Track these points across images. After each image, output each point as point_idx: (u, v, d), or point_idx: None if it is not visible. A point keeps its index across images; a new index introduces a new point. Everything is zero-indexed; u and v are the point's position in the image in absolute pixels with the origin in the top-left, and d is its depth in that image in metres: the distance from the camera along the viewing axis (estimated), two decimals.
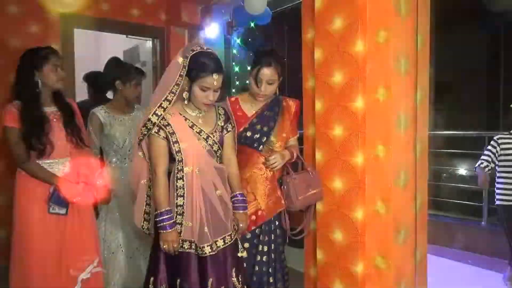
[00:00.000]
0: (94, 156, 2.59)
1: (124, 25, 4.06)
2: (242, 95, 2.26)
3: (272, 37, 4.88)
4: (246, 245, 2.12)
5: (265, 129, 2.17)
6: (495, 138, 2.80)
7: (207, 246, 1.81)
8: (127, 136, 2.60)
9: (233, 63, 5.05)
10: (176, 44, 4.39)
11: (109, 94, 2.91)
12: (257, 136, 2.16)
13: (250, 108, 2.21)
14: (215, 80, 1.78)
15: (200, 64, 1.77)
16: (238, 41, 4.75)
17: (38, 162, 2.11)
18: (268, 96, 2.18)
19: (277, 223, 2.21)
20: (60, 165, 2.17)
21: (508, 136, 2.74)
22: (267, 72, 2.09)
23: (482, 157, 2.78)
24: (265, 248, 2.16)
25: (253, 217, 2.12)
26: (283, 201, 2.19)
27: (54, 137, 2.12)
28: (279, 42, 4.82)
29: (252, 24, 3.95)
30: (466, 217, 4.22)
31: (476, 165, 2.81)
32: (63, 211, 2.10)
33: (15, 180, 2.17)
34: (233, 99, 2.23)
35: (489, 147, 2.79)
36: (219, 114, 1.97)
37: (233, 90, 5.01)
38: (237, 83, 5.08)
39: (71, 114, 2.24)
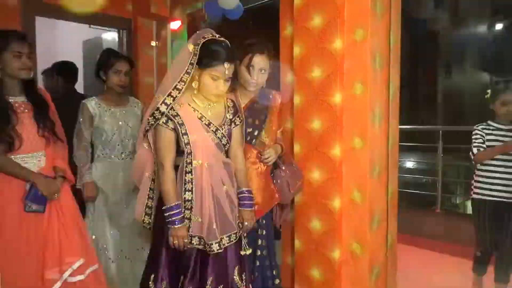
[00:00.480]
0: (86, 150, 2.51)
1: (88, 14, 3.93)
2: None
3: (242, 33, 4.93)
4: (245, 240, 2.08)
5: (257, 122, 2.15)
6: (476, 128, 2.68)
7: (215, 243, 1.76)
8: (117, 129, 2.52)
9: None
10: (143, 35, 4.30)
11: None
12: (250, 130, 2.12)
13: (240, 102, 2.11)
14: (226, 69, 1.72)
15: (211, 52, 1.71)
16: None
17: (10, 157, 1.94)
18: (259, 86, 2.14)
19: (271, 216, 2.23)
20: (35, 159, 2.01)
21: (486, 126, 2.67)
22: (259, 60, 2.05)
23: (474, 145, 2.63)
24: (264, 243, 2.18)
25: None
26: (276, 195, 2.20)
27: (23, 130, 1.96)
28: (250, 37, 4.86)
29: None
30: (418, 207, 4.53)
31: (473, 155, 2.64)
32: (41, 208, 1.97)
33: None
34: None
35: (477, 136, 2.64)
36: (228, 106, 1.90)
37: None
38: None
39: (42, 106, 2.08)
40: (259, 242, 2.17)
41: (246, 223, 1.87)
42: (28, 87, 2.06)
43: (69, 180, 2.14)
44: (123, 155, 2.55)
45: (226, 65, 1.72)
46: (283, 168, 2.20)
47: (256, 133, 2.13)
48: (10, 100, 1.97)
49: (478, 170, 2.72)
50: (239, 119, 1.92)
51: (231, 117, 1.88)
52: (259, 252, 2.18)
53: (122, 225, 2.54)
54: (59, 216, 2.03)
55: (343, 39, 2.14)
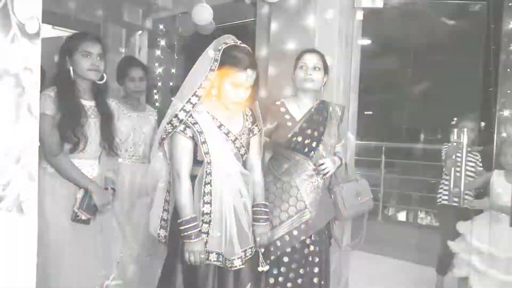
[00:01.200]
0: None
1: (56, 16, 3.95)
2: (287, 98, 2.12)
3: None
4: (296, 256, 1.98)
5: (315, 134, 2.04)
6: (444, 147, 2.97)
7: (238, 258, 1.65)
8: (132, 132, 2.58)
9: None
10: (112, 42, 4.39)
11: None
12: (308, 141, 2.02)
13: (297, 111, 2.06)
14: (248, 76, 1.65)
15: (233, 58, 1.63)
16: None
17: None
18: (316, 87, 2.03)
19: (326, 232, 2.10)
20: (89, 167, 1.92)
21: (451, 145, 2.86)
22: (311, 57, 2.02)
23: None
24: (316, 259, 2.02)
25: (303, 226, 1.98)
26: (333, 210, 2.11)
27: (89, 133, 1.89)
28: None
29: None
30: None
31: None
32: (89, 220, 1.84)
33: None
34: (278, 102, 2.09)
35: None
36: (246, 115, 1.81)
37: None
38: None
39: (109, 116, 2.00)
40: (310, 258, 2.01)
41: (258, 239, 1.75)
42: (99, 93, 2.00)
43: (116, 193, 2.06)
44: (133, 158, 2.61)
45: (249, 71, 1.64)
46: (339, 183, 2.12)
47: (314, 144, 2.04)
48: (83, 103, 1.92)
49: (443, 179, 3.05)
50: (258, 128, 1.83)
51: (249, 126, 1.80)
52: (308, 269, 2.01)
53: (126, 228, 2.51)
54: (103, 229, 1.96)
55: None
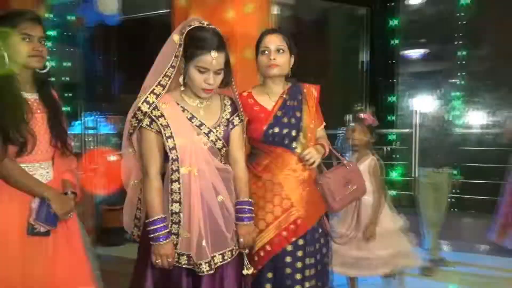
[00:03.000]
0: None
1: None
2: (254, 88, 1.91)
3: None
4: (288, 259, 1.78)
5: (292, 121, 1.84)
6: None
7: (205, 263, 1.53)
8: None
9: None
10: None
11: None
12: (286, 131, 1.82)
13: (268, 100, 1.86)
14: (214, 58, 1.50)
15: (196, 40, 1.50)
16: None
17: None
18: (283, 71, 1.84)
19: (320, 230, 1.88)
20: (43, 170, 1.66)
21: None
22: (272, 38, 1.80)
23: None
24: (312, 261, 1.83)
25: (292, 226, 1.79)
26: (323, 205, 1.91)
27: (36, 131, 1.61)
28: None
29: None
30: None
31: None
32: (49, 231, 1.60)
33: None
34: (245, 93, 1.88)
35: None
36: (225, 104, 1.67)
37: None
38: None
39: (57, 110, 1.73)
40: (307, 261, 1.81)
41: (241, 239, 1.62)
42: (41, 83, 1.71)
43: (78, 196, 1.79)
44: None
45: (214, 54, 1.49)
46: (325, 173, 1.91)
47: (294, 133, 1.83)
48: (25, 96, 1.63)
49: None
50: (239, 118, 1.69)
51: (228, 116, 1.66)
52: (307, 272, 1.81)
53: None
54: (68, 238, 1.70)
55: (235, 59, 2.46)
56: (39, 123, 1.64)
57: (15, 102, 1.58)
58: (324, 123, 1.98)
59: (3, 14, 1.63)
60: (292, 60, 1.85)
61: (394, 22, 5.33)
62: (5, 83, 1.57)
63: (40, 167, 1.65)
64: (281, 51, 1.79)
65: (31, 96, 1.66)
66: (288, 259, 1.77)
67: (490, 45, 5.02)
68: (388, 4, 5.36)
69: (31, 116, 1.60)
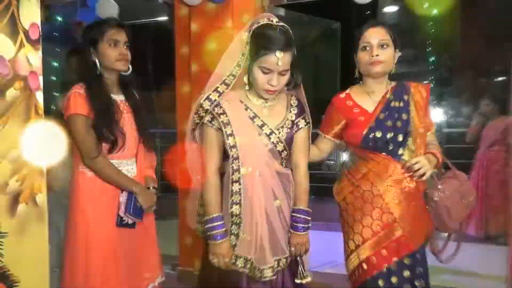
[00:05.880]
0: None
1: None
2: (352, 88, 1.77)
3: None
4: (381, 282, 1.60)
5: (398, 124, 1.66)
6: None
7: (269, 268, 1.48)
8: None
9: None
10: None
11: None
12: (391, 135, 1.65)
13: (369, 101, 1.70)
14: (279, 59, 1.43)
15: (262, 39, 1.45)
16: None
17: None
18: (387, 68, 1.68)
19: (421, 252, 1.68)
20: (129, 166, 1.79)
21: None
22: (374, 32, 1.65)
23: None
24: (423, 284, 1.65)
25: (394, 244, 1.61)
26: (432, 223, 1.71)
27: (125, 130, 1.76)
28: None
29: None
30: None
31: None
32: (134, 223, 1.75)
33: (74, 183, 1.75)
34: (342, 95, 1.75)
35: None
36: (291, 105, 1.60)
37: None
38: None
39: (141, 110, 1.87)
40: (416, 284, 1.63)
41: (292, 248, 1.55)
42: (125, 85, 1.86)
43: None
44: None
45: (278, 54, 1.43)
46: (440, 186, 1.68)
47: (400, 138, 1.65)
48: (113, 98, 1.79)
49: None
50: (305, 121, 1.61)
51: (293, 118, 1.58)
52: None
53: None
54: (147, 230, 1.86)
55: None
56: (127, 122, 1.79)
57: (106, 103, 1.73)
58: (435, 127, 1.78)
59: (91, 24, 1.84)
60: (397, 55, 1.70)
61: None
62: (97, 86, 1.73)
63: (126, 164, 1.79)
64: (384, 46, 1.64)
65: (118, 98, 1.81)
66: (380, 282, 1.61)
67: (455, 53, 5.68)
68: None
69: (120, 116, 1.76)
